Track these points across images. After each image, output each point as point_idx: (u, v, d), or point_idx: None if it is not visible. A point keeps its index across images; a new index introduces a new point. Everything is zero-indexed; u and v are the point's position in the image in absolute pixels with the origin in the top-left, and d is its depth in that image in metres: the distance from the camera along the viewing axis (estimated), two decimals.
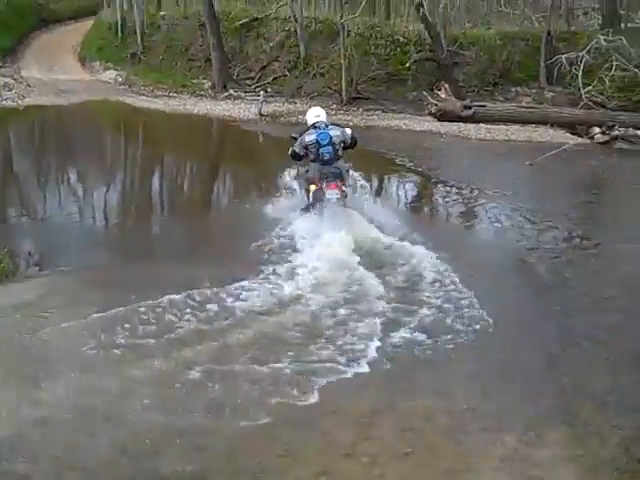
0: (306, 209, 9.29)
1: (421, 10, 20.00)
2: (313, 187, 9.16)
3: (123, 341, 6.12)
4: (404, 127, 18.71)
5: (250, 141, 17.56)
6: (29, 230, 10.11)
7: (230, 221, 10.33)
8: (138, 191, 12.98)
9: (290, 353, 5.99)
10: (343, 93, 20.88)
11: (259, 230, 9.09)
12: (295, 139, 9.50)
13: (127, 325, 6.34)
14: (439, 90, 19.39)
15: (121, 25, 26.49)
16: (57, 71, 25.63)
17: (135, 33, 25.67)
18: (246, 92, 22.10)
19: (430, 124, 18.66)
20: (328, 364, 5.83)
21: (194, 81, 23.45)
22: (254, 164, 14.85)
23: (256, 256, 8.24)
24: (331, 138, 9.13)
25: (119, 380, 5.57)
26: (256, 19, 23.97)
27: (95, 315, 6.51)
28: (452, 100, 18.91)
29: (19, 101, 21.28)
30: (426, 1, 20.30)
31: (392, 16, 24.24)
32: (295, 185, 10.48)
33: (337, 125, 9.63)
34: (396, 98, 21.02)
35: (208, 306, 6.77)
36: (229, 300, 6.89)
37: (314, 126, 9.34)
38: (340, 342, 6.19)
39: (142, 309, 6.61)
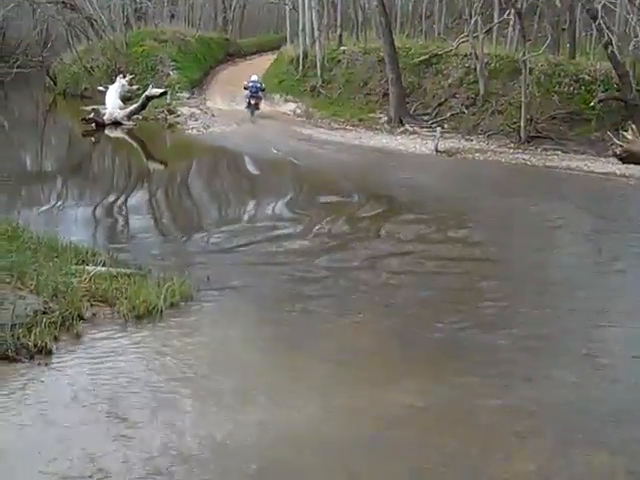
0: (248, 107, 23.96)
1: (609, 48, 19.25)
2: (250, 100, 23.82)
3: None
4: (585, 168, 18.01)
5: None
6: (207, 255, 10.45)
7: None
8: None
9: None
10: (522, 131, 20.38)
11: None
12: (245, 86, 24.22)
13: None
14: (625, 131, 18.54)
15: (302, 59, 27.19)
16: (239, 102, 26.60)
17: (315, 67, 26.28)
18: (422, 127, 22.03)
19: (614, 166, 17.86)
20: None
21: (371, 115, 23.66)
22: None
23: None
24: (256, 84, 23.91)
25: None
26: (436, 55, 23.92)
27: None
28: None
29: (203, 130, 22.27)
30: (615, 39, 19.46)
31: (577, 54, 23.42)
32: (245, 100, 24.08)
33: (259, 80, 24.52)
34: (578, 138, 20.27)
35: None
36: None
37: (251, 80, 24.07)
38: None
39: None
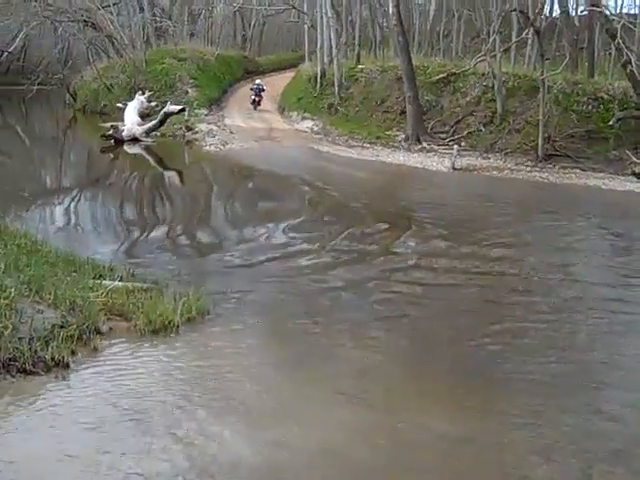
0: (252, 103, 28.81)
1: (628, 67, 19.24)
2: (255, 98, 28.76)
3: None
4: (603, 187, 17.93)
5: None
6: (224, 269, 10.47)
7: None
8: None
9: None
10: (539, 150, 20.34)
11: None
12: (251, 87, 29.61)
13: None
14: None
15: (320, 77, 27.34)
16: (257, 119, 26.82)
17: (333, 85, 26.40)
18: (440, 145, 22.05)
19: (632, 184, 17.83)
20: None
21: (388, 133, 23.70)
22: None
23: None
24: (260, 86, 28.85)
25: None
26: (453, 74, 23.98)
27: None
28: None
29: (221, 147, 22.35)
30: (634, 58, 19.42)
31: (596, 73, 23.38)
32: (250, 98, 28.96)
33: (262, 84, 29.53)
34: (596, 157, 20.18)
35: None
36: None
37: (255, 83, 29.73)
38: None
39: None
